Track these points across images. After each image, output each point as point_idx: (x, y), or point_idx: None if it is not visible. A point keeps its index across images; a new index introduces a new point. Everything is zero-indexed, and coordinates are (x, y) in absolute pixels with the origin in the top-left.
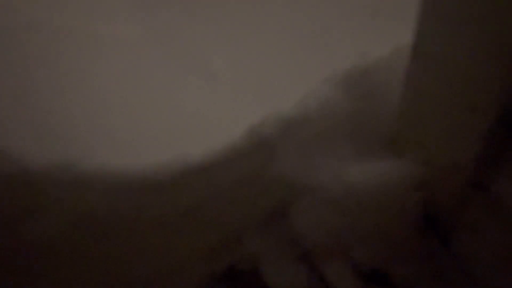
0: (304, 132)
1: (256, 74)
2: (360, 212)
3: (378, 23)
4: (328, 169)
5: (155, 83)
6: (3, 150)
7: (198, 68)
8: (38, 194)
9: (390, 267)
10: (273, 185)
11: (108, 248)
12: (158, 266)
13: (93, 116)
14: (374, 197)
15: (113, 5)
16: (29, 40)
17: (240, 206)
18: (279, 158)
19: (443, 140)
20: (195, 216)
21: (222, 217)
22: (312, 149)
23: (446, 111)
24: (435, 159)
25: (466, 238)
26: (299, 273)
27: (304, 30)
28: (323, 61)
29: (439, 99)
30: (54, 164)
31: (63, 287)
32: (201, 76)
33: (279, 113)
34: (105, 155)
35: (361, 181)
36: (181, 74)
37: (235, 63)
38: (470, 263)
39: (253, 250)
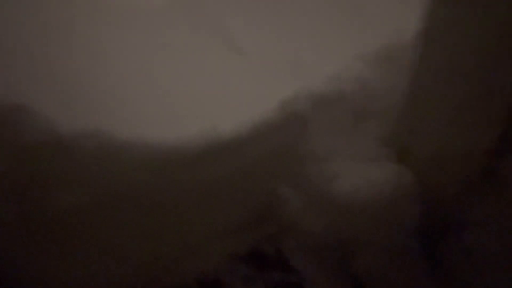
0: (337, 109)
1: (288, 48)
2: (361, 216)
3: None
4: (349, 158)
5: (184, 55)
6: (35, 118)
7: (227, 41)
8: (69, 162)
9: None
10: (304, 161)
11: (137, 220)
12: (186, 242)
13: (122, 87)
14: (377, 203)
15: None
16: (58, 9)
17: (270, 180)
18: (310, 134)
19: (457, 127)
20: (224, 189)
21: (252, 190)
22: (342, 128)
23: (461, 96)
24: (447, 149)
25: (474, 231)
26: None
27: (338, 4)
28: (358, 36)
29: (453, 84)
30: (84, 133)
31: (93, 257)
32: (230, 49)
33: (311, 89)
34: (134, 126)
35: (370, 183)
36: (210, 47)
37: (266, 37)
38: (477, 258)
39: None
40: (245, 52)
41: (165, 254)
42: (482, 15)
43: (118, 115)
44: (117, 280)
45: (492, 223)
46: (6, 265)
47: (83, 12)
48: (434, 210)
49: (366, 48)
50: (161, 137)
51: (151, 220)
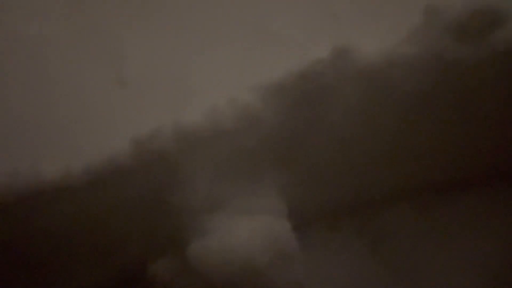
0: (216, 149)
1: (174, 77)
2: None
3: (315, 20)
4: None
5: (61, 86)
6: None
7: (114, 71)
8: None
9: None
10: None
11: None
12: None
13: None
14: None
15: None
16: None
17: (129, 238)
18: (183, 180)
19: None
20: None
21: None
22: (223, 173)
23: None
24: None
25: None
26: None
27: (230, 31)
28: (250, 66)
29: None
30: None
31: None
32: (114, 80)
33: (182, 123)
34: None
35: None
36: (93, 79)
37: (156, 67)
38: None
39: None
40: (129, 83)
41: None
42: None
43: None
44: None
45: None
46: None
47: None
48: None
49: (260, 78)
50: None
51: None
